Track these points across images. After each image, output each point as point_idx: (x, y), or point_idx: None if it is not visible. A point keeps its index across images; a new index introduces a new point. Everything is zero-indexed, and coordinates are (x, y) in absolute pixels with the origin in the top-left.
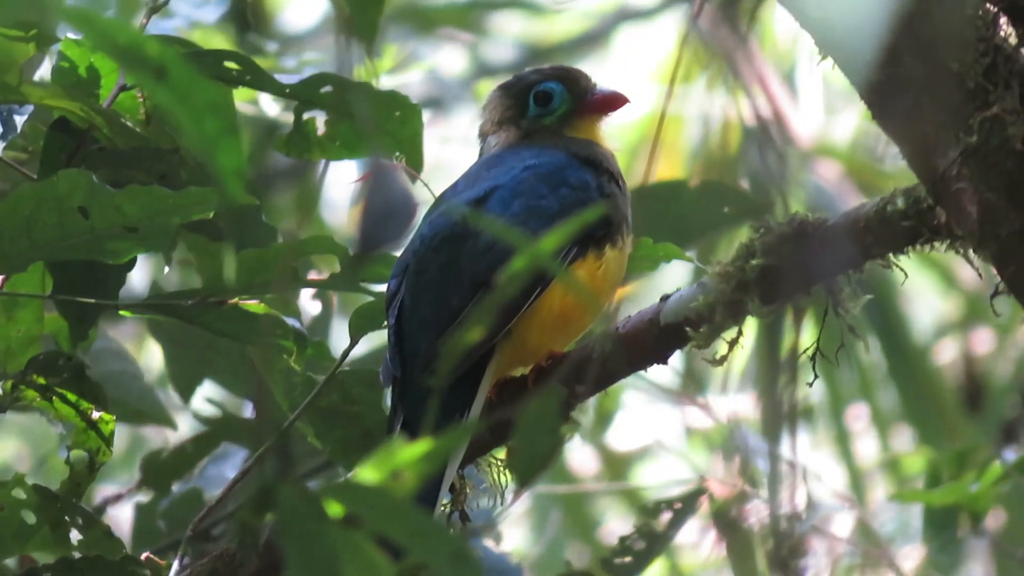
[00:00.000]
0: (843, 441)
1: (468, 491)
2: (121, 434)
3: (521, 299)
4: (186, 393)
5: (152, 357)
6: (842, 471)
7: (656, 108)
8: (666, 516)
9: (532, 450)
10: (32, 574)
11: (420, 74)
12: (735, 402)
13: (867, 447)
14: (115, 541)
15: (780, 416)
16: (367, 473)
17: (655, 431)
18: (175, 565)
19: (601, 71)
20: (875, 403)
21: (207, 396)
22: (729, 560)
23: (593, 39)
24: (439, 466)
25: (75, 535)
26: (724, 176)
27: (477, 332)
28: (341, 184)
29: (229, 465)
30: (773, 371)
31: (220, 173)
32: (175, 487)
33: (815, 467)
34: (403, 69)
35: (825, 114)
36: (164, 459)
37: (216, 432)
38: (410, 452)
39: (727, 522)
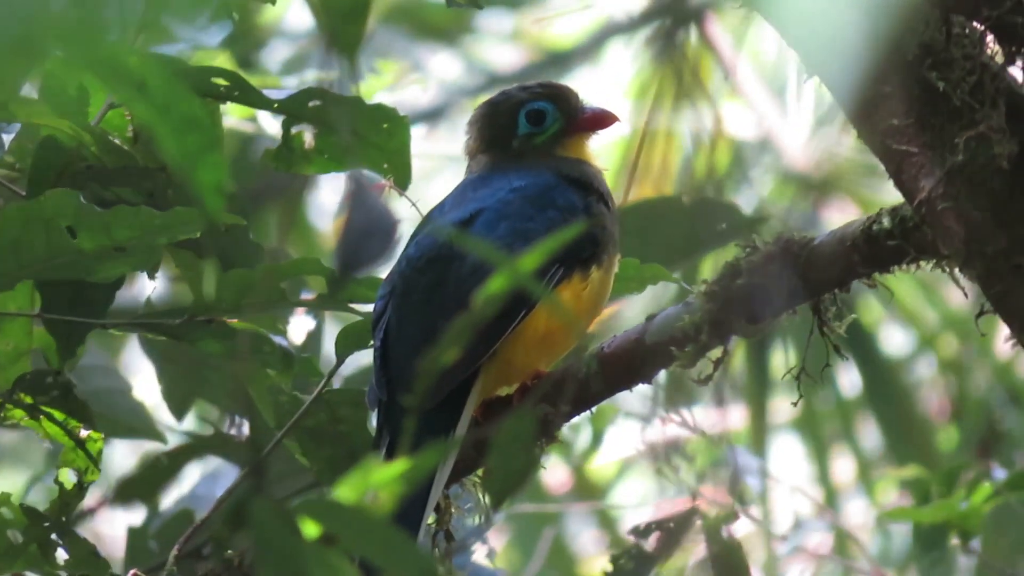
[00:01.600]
0: (822, 459)
1: (453, 511)
2: None
3: (506, 321)
4: (179, 411)
5: (133, 368)
6: (821, 489)
7: (634, 126)
8: (657, 536)
9: (507, 469)
10: None
11: (418, 90)
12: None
13: (847, 465)
14: (101, 561)
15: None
16: (344, 492)
17: (635, 447)
18: None
19: (591, 86)
20: (849, 421)
21: (199, 413)
22: None
23: (582, 53)
24: (417, 486)
25: (61, 554)
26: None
27: (452, 352)
28: (330, 192)
29: (220, 485)
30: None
31: (200, 189)
32: (165, 506)
33: (797, 483)
34: (402, 85)
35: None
36: (138, 474)
37: (195, 447)
38: (387, 472)
39: (717, 540)
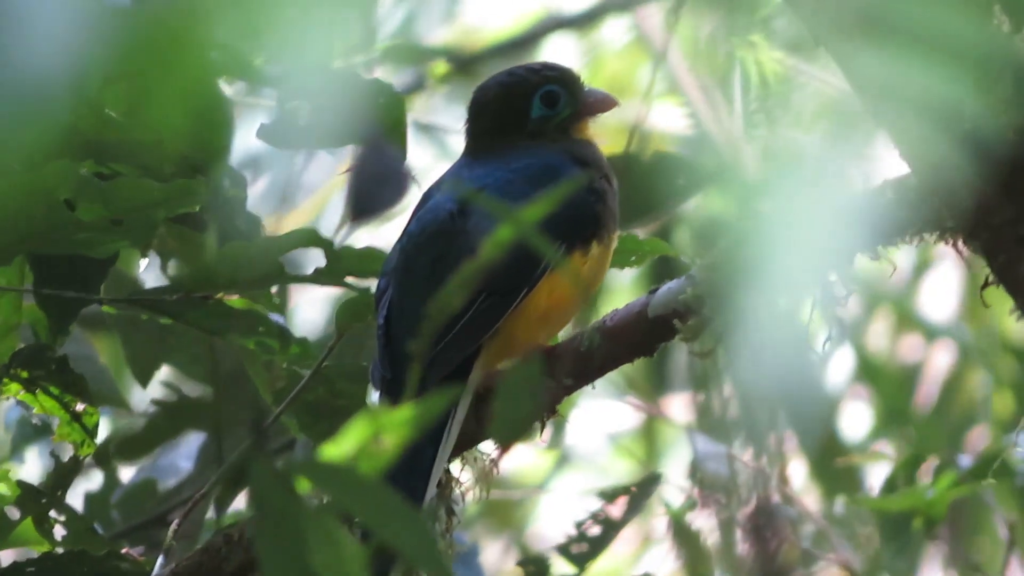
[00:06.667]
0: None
1: (453, 486)
2: None
3: (510, 298)
4: (144, 378)
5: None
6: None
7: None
8: (621, 502)
9: (513, 413)
10: (16, 570)
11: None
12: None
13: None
14: (98, 536)
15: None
16: (346, 439)
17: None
18: (160, 559)
19: None
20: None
21: (164, 380)
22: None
23: (519, 47)
24: (422, 432)
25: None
26: None
27: (459, 297)
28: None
29: (183, 454)
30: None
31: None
32: (127, 477)
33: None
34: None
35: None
36: (140, 432)
37: (176, 415)
38: (393, 417)
39: (682, 530)
